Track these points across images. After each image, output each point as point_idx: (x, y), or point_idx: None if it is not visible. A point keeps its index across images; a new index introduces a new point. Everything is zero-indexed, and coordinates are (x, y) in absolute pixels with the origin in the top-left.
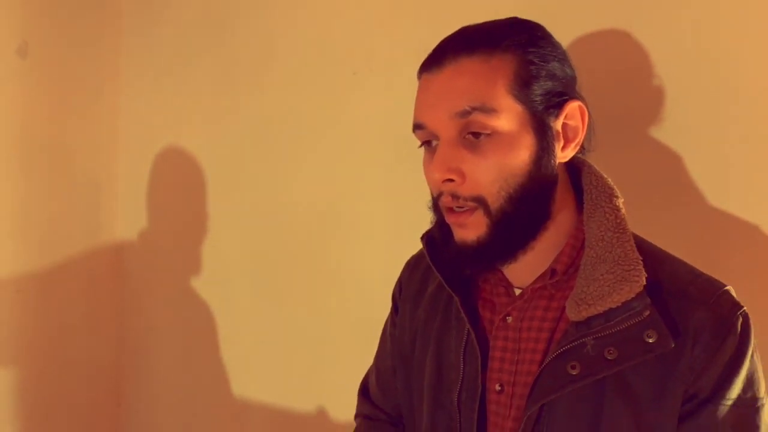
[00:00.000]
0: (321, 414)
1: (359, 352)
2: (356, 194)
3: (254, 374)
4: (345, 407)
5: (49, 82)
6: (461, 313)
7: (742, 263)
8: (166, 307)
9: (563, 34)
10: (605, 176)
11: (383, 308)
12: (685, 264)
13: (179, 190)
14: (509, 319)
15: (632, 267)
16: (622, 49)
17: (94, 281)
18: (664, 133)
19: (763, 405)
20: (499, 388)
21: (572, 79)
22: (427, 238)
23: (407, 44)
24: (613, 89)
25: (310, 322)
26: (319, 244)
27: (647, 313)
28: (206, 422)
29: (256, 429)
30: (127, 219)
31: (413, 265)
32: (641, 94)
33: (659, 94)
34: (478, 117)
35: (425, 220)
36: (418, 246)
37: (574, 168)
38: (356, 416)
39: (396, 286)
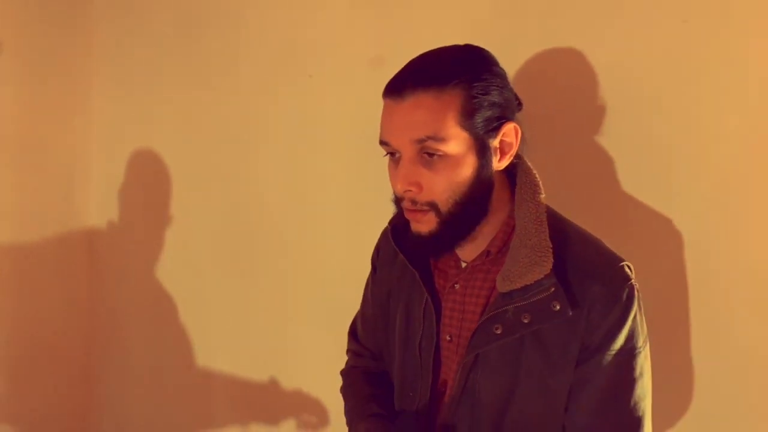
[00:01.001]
0: (274, 384)
1: (317, 330)
2: (313, 185)
3: (218, 352)
4: (302, 379)
5: (23, 79)
6: (422, 286)
7: (653, 246)
8: (135, 291)
9: (522, 52)
10: (535, 175)
11: (341, 289)
12: (593, 244)
13: (149, 181)
14: (457, 286)
15: (544, 254)
16: (572, 66)
17: (66, 266)
18: (605, 138)
19: (639, 352)
20: (449, 338)
21: (510, 102)
22: (393, 224)
23: (358, 50)
24: (562, 101)
25: (271, 305)
26: (279, 232)
27: (553, 289)
28: (174, 397)
29: (220, 402)
30: (99, 208)
31: (385, 238)
32: (586, 107)
33: (602, 107)
34: (432, 143)
35: (376, 208)
36: (371, 231)
37: (512, 169)
38: (347, 351)
39: (374, 251)
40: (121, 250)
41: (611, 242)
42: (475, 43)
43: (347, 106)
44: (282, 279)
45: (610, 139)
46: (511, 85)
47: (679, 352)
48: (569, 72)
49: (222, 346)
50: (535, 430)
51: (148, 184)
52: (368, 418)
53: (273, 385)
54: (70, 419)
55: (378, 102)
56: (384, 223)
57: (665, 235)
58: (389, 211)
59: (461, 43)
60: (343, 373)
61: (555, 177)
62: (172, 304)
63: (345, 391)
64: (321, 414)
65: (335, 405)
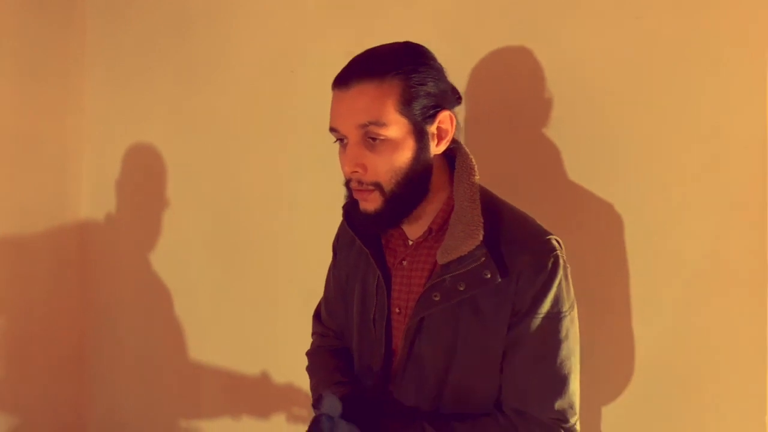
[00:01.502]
0: (264, 377)
1: (306, 324)
2: (295, 177)
3: (208, 344)
4: (292, 373)
5: (18, 76)
6: (373, 262)
7: (596, 227)
8: (126, 283)
9: (476, 50)
10: (471, 159)
11: (317, 274)
12: (523, 220)
13: (140, 176)
14: (404, 263)
15: (475, 227)
16: (522, 62)
17: (59, 260)
18: (551, 130)
19: (564, 316)
20: (398, 310)
21: (446, 93)
22: (345, 208)
23: (337, 46)
24: (514, 94)
25: (261, 299)
26: (264, 222)
27: (483, 258)
28: (164, 389)
29: (209, 393)
30: (91, 203)
31: (343, 225)
32: (540, 100)
33: (551, 100)
34: (374, 128)
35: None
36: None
37: (452, 154)
38: (312, 334)
39: (335, 239)
40: (112, 244)
41: (558, 224)
42: (441, 39)
43: (327, 99)
44: (272, 273)
45: (561, 130)
46: (478, 77)
47: (620, 327)
48: (526, 67)
49: (212, 339)
50: (475, 390)
51: (139, 178)
52: (332, 386)
53: (263, 378)
54: (62, 409)
55: None
56: None
57: (607, 218)
58: None
59: (428, 37)
60: (309, 353)
61: (511, 165)
62: (162, 296)
63: (311, 368)
64: (310, 407)
65: None
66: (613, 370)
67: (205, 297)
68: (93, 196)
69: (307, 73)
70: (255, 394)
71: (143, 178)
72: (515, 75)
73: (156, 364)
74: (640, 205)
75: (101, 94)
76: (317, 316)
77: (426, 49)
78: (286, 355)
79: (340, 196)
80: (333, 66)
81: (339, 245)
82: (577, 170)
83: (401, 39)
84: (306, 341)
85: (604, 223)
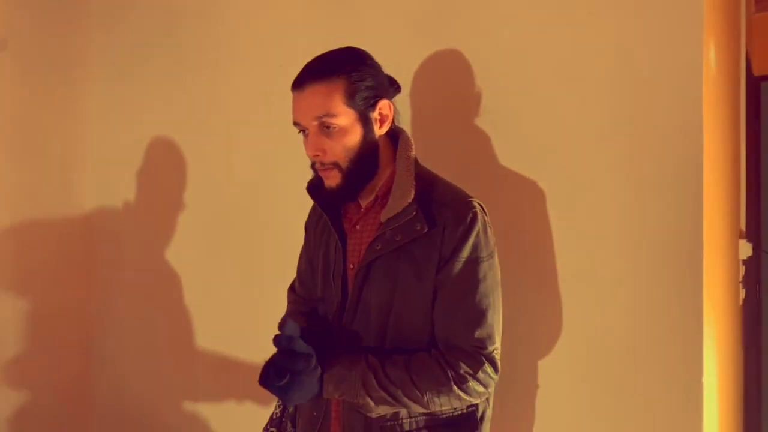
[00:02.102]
0: (258, 354)
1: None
2: (281, 165)
3: (206, 323)
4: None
5: (25, 72)
6: (332, 228)
7: (521, 199)
8: (129, 268)
9: (444, 41)
10: (409, 138)
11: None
12: (450, 187)
13: (140, 163)
14: (357, 226)
15: (409, 188)
16: (453, 62)
17: (65, 246)
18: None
19: (483, 261)
20: (352, 266)
21: (383, 85)
22: (310, 185)
23: (324, 40)
24: (446, 90)
25: (253, 277)
26: (256, 210)
27: (414, 213)
28: (163, 366)
29: (208, 370)
30: (94, 193)
31: (313, 208)
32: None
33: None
34: (327, 119)
35: None
36: None
37: (396, 135)
38: (287, 305)
39: (306, 221)
40: (115, 232)
41: (491, 198)
42: (408, 32)
43: None
44: (266, 260)
45: (496, 119)
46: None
47: (549, 288)
48: (471, 60)
49: (210, 322)
50: (412, 328)
51: (140, 170)
52: (293, 316)
53: (257, 354)
54: (68, 388)
55: None
56: None
57: (531, 192)
58: None
59: (404, 32)
60: (282, 319)
61: (453, 152)
62: (163, 282)
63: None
64: None
65: None
66: (547, 331)
67: (204, 283)
68: (97, 187)
69: (294, 67)
70: (251, 374)
71: (144, 169)
72: (461, 69)
73: (157, 346)
74: (571, 185)
75: (102, 88)
76: (291, 288)
77: (365, 51)
78: (271, 328)
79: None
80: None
81: (309, 224)
82: (508, 153)
83: (379, 34)
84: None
85: (528, 193)
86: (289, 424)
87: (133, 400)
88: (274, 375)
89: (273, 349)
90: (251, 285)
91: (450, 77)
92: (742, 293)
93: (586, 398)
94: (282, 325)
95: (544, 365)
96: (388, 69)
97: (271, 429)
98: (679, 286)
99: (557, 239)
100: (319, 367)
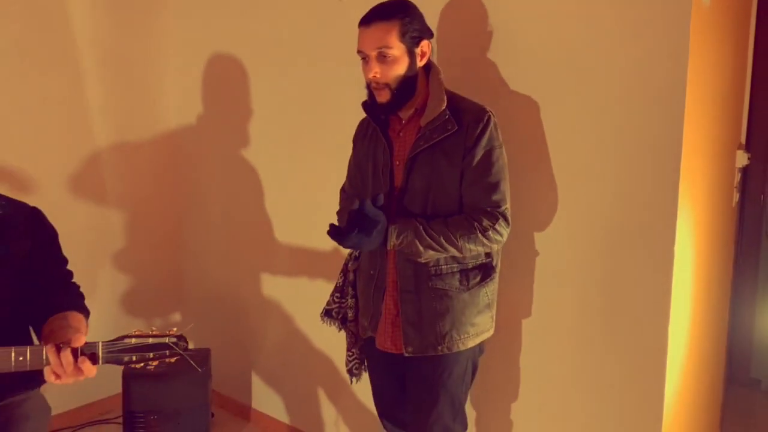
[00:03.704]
0: (336, 248)
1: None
2: (341, 84)
3: (277, 217)
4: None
5: (115, 6)
6: (381, 136)
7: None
8: (212, 172)
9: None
10: (439, 68)
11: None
12: (471, 101)
13: (217, 85)
14: (401, 133)
15: (442, 101)
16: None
17: (155, 157)
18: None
19: (495, 148)
20: (398, 162)
21: (425, 29)
22: (365, 104)
23: None
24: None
25: (321, 177)
26: (317, 118)
27: (447, 116)
28: (243, 256)
29: (281, 261)
30: (177, 111)
31: (360, 123)
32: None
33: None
34: (384, 50)
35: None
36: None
37: (428, 67)
38: (339, 203)
39: (354, 136)
40: (197, 144)
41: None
42: None
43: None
44: (327, 162)
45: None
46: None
47: (545, 172)
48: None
49: (281, 216)
50: (444, 200)
51: (215, 89)
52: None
53: (333, 250)
54: (164, 274)
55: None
56: None
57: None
58: None
59: None
60: (337, 213)
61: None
62: (243, 183)
63: (339, 218)
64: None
65: None
66: (545, 208)
67: (278, 181)
68: (179, 109)
69: (354, 3)
70: (315, 258)
71: (219, 90)
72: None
73: (236, 241)
74: (564, 90)
75: (181, 22)
76: (342, 189)
77: (412, 3)
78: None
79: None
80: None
81: (357, 137)
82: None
83: None
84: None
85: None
86: (350, 288)
87: (217, 285)
88: (345, 230)
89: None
90: (314, 185)
91: (463, 23)
92: (736, 197)
93: (582, 262)
94: (362, 203)
95: (541, 236)
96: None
97: (336, 294)
98: (658, 180)
99: (550, 134)
100: (385, 223)
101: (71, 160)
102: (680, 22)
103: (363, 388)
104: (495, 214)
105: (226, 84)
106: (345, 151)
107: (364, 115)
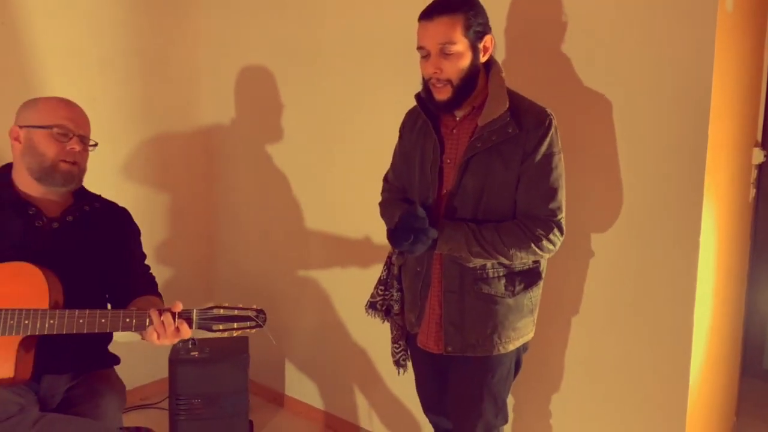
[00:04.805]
0: (366, 237)
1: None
2: (375, 78)
3: (311, 214)
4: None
5: (153, 7)
6: (433, 132)
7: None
8: (244, 168)
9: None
10: (500, 65)
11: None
12: (531, 101)
13: (247, 84)
14: (454, 131)
15: (503, 102)
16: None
17: (188, 151)
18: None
19: (555, 155)
20: (449, 161)
21: (487, 24)
22: (418, 96)
23: None
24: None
25: (351, 172)
26: (348, 111)
27: (508, 118)
28: (274, 247)
29: (313, 252)
30: (210, 106)
31: (409, 113)
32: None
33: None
34: (448, 45)
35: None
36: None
37: (488, 63)
38: (381, 193)
39: (400, 126)
40: (229, 139)
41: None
42: None
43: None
44: (361, 150)
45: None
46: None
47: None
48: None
49: (317, 208)
50: (497, 205)
51: (246, 86)
52: (402, 206)
53: (365, 239)
54: (198, 265)
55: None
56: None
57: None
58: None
59: None
60: (380, 204)
61: (526, 74)
62: (273, 176)
63: (383, 211)
64: (398, 254)
65: None
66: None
67: (309, 174)
68: (212, 104)
69: (387, 5)
70: (354, 249)
71: (250, 87)
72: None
73: (267, 234)
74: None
75: (212, 22)
76: (385, 179)
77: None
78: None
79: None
80: None
81: (404, 128)
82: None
83: None
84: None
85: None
86: (394, 281)
87: (250, 277)
88: (402, 237)
89: (377, 232)
90: (344, 177)
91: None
92: (752, 192)
93: (615, 258)
94: (412, 205)
95: (580, 234)
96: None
97: (380, 287)
98: (685, 174)
99: (592, 134)
100: (432, 229)
101: (115, 155)
102: (707, 27)
103: (396, 380)
104: (550, 223)
105: (256, 82)
106: (374, 143)
107: (393, 108)
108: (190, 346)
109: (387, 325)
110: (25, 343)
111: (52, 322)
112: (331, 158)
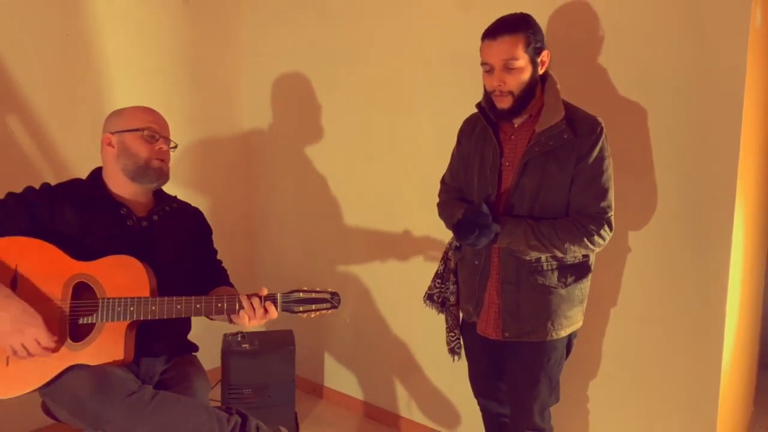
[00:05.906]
0: (406, 232)
1: (424, 188)
2: (416, 88)
3: (351, 211)
4: (422, 224)
5: (198, 20)
6: (493, 137)
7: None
8: (283, 170)
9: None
10: (555, 78)
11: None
12: (584, 111)
13: (286, 87)
14: (512, 137)
15: (559, 111)
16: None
17: (230, 154)
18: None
19: (605, 158)
20: (507, 163)
21: (543, 41)
22: (480, 106)
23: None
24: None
25: (394, 173)
26: (388, 119)
27: (564, 125)
28: (315, 249)
29: (356, 244)
30: (251, 112)
31: (467, 120)
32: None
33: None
34: (511, 61)
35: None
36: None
37: (544, 75)
38: (439, 194)
39: (459, 132)
40: (269, 143)
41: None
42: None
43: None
44: (403, 151)
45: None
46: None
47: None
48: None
49: (358, 202)
50: (552, 204)
51: (286, 94)
52: (461, 205)
53: (404, 233)
54: (241, 261)
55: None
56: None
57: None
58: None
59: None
60: (438, 204)
61: (573, 87)
62: (312, 176)
63: (442, 210)
64: (442, 251)
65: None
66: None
67: (346, 176)
68: (252, 111)
69: (432, 19)
70: (398, 246)
71: (290, 94)
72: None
73: (307, 231)
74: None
75: (254, 31)
76: (442, 181)
77: (533, 18)
78: (422, 217)
79: (465, 107)
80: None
81: (462, 135)
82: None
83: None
84: (432, 209)
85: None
86: (451, 275)
87: (290, 272)
88: (467, 231)
89: (418, 227)
90: (386, 175)
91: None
92: None
93: (652, 254)
94: (477, 204)
95: (622, 233)
96: None
97: (437, 280)
98: (718, 178)
99: (634, 139)
100: (495, 224)
101: None
102: (739, 38)
103: (435, 370)
104: (601, 219)
105: (294, 85)
106: (412, 144)
107: (430, 110)
108: (239, 338)
109: (426, 317)
110: (130, 328)
111: (153, 308)
112: (370, 158)
